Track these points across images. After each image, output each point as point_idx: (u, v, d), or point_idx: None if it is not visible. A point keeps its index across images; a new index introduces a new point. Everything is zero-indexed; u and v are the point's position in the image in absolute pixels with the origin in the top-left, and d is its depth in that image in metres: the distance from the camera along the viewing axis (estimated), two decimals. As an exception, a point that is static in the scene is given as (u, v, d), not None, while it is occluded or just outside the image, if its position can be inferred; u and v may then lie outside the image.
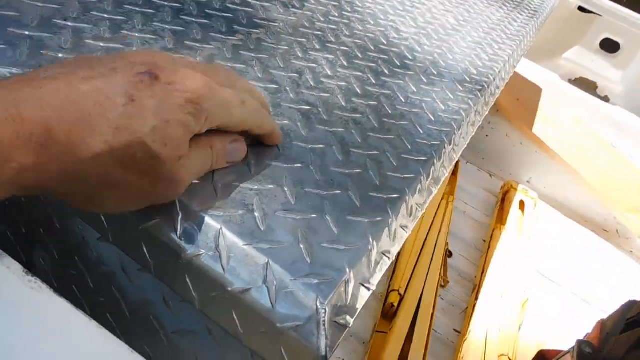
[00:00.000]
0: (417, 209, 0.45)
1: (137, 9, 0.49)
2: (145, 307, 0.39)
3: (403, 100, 0.56)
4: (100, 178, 0.27)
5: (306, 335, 0.31)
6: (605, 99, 1.57)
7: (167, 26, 0.49)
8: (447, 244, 1.29)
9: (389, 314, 1.05)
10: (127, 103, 0.27)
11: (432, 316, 1.08)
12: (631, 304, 0.54)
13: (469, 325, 1.11)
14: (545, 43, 1.61)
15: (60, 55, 0.39)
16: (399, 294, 1.07)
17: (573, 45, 1.54)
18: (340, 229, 0.37)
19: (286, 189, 0.38)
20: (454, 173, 1.52)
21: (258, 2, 0.61)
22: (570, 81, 1.61)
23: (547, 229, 1.49)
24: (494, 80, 0.72)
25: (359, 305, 0.35)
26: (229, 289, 0.32)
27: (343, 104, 0.51)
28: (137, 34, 0.46)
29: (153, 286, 0.37)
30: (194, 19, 0.52)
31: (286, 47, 0.55)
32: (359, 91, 0.54)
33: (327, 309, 0.32)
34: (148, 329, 0.40)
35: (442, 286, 1.20)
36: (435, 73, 0.65)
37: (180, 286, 0.34)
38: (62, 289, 0.33)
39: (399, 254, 1.21)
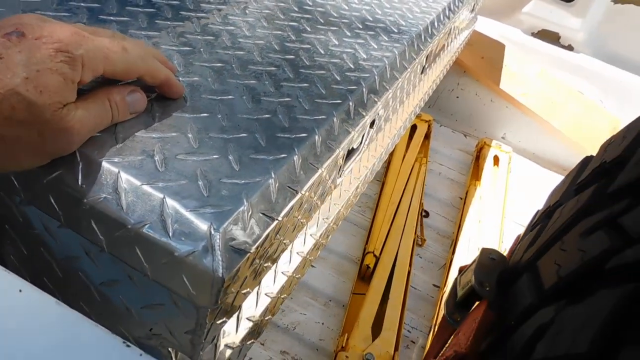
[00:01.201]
0: (328, 147, 0.47)
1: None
2: (73, 264, 0.41)
3: (323, 52, 0.58)
4: None
5: (202, 260, 0.33)
6: (569, 47, 1.58)
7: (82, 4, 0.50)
8: (421, 204, 1.31)
9: (365, 276, 1.08)
10: None
11: (409, 274, 1.11)
12: (535, 213, 0.56)
13: (447, 279, 1.14)
14: (504, 0, 1.62)
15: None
16: (375, 256, 1.10)
17: (531, -1, 1.54)
18: (241, 166, 0.39)
19: (190, 135, 0.40)
20: (427, 136, 1.54)
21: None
22: (532, 34, 1.61)
23: (524, 180, 1.51)
24: (425, 28, 0.74)
25: (262, 233, 0.37)
26: (129, 226, 0.34)
27: (259, 59, 0.52)
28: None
29: (75, 241, 0.40)
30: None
31: (204, 15, 0.57)
32: (276, 47, 0.56)
33: (220, 235, 0.34)
34: (79, 286, 0.42)
35: (420, 245, 1.23)
36: (361, 27, 0.67)
37: (88, 232, 0.36)
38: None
39: (373, 217, 1.23)
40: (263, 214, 0.38)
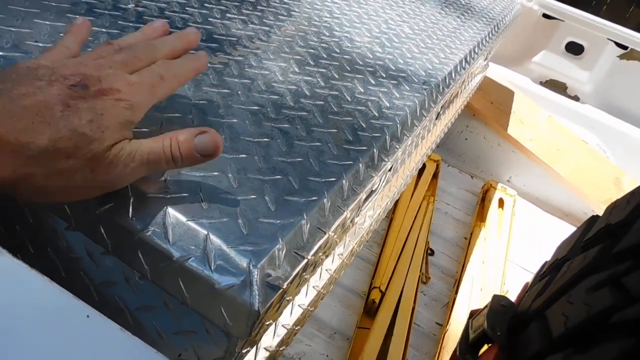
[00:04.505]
0: (354, 191, 0.50)
1: (104, 29, 0.55)
2: (110, 288, 0.44)
3: (349, 99, 0.62)
4: (47, 169, 0.32)
5: (240, 294, 0.36)
6: (575, 98, 1.63)
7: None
8: (427, 242, 1.33)
9: (371, 310, 1.09)
10: (65, 109, 0.33)
11: (413, 310, 1.12)
12: (544, 264, 0.59)
13: (449, 317, 1.15)
14: (515, 49, 1.68)
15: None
16: (381, 291, 1.12)
17: (541, 50, 1.60)
18: (277, 206, 0.42)
19: (230, 175, 0.43)
20: (435, 175, 1.58)
21: (218, 20, 0.68)
22: (541, 83, 1.67)
23: (527, 224, 1.54)
24: (443, 79, 0.78)
25: (293, 270, 0.40)
26: (174, 258, 0.37)
27: (291, 104, 0.56)
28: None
29: (115, 267, 0.42)
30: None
31: (241, 58, 0.61)
32: (307, 93, 0.60)
33: (258, 271, 0.37)
34: (114, 310, 0.45)
35: (424, 282, 1.25)
36: (384, 75, 0.71)
37: (135, 261, 0.39)
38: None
39: (380, 253, 1.25)
40: (295, 252, 0.41)
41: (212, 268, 0.37)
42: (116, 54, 0.40)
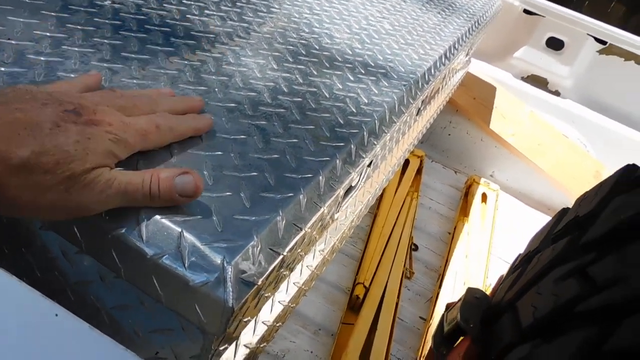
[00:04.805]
0: (330, 187, 0.51)
1: (79, 26, 0.55)
2: (86, 287, 0.44)
3: (328, 96, 0.62)
4: (22, 181, 0.32)
5: (214, 291, 0.36)
6: (556, 93, 1.66)
7: (106, 40, 0.54)
8: (411, 237, 1.34)
9: (355, 306, 1.10)
10: (53, 128, 0.33)
11: (397, 305, 1.13)
12: (517, 257, 0.60)
13: (433, 312, 1.16)
14: (496, 45, 1.70)
15: (2, 68, 0.45)
16: (364, 287, 1.12)
17: (522, 45, 1.62)
18: (252, 203, 0.42)
19: (205, 173, 0.43)
20: (419, 171, 1.59)
21: (197, 17, 0.67)
22: (522, 79, 1.69)
23: (510, 218, 1.56)
24: (422, 76, 0.78)
25: (269, 267, 0.40)
26: (148, 256, 0.37)
27: (269, 101, 0.56)
28: (76, 49, 0.51)
29: (90, 266, 0.42)
30: (132, 34, 0.58)
31: (219, 55, 0.61)
32: (285, 90, 0.60)
33: (232, 268, 0.37)
34: (90, 309, 0.44)
35: (408, 278, 1.26)
36: (363, 72, 0.71)
37: (109, 260, 0.39)
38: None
39: (364, 249, 1.26)
40: (270, 249, 0.41)
41: (186, 265, 0.37)
42: (117, 99, 0.41)
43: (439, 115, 1.56)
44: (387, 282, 1.16)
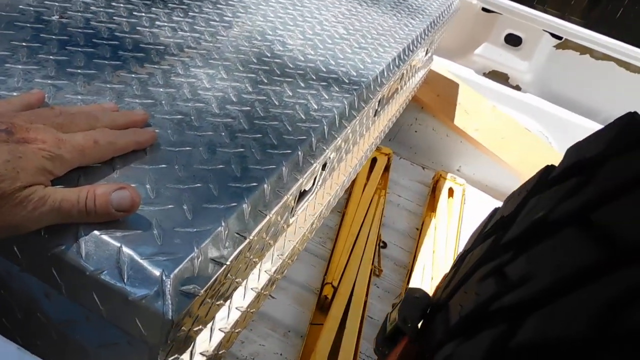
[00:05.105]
0: (277, 194, 0.52)
1: (24, 43, 0.54)
2: (33, 304, 0.44)
3: (277, 103, 0.63)
4: None
5: (153, 304, 0.37)
6: (517, 88, 1.70)
7: (51, 56, 0.54)
8: (379, 235, 1.37)
9: (324, 306, 1.12)
10: None
11: (365, 303, 1.15)
12: (458, 256, 0.62)
13: (401, 308, 1.19)
14: (457, 42, 1.73)
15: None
16: (333, 287, 1.14)
17: (482, 42, 1.66)
18: (194, 215, 0.43)
19: (148, 186, 0.44)
20: (387, 169, 1.61)
21: (147, 29, 0.67)
22: (484, 74, 1.73)
23: (477, 211, 1.59)
24: (374, 79, 0.80)
25: (211, 277, 0.41)
26: (87, 273, 0.38)
27: (216, 111, 0.57)
28: (20, 66, 0.51)
29: (35, 285, 0.43)
30: (79, 49, 0.58)
31: (167, 67, 0.61)
32: (234, 99, 0.60)
33: (171, 281, 0.38)
34: (37, 325, 0.45)
35: (377, 275, 1.28)
36: (315, 78, 0.73)
37: (49, 278, 0.39)
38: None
39: (332, 249, 1.27)
40: (212, 259, 0.42)
41: (125, 280, 0.37)
42: (54, 117, 0.41)
43: (405, 113, 1.59)
44: (355, 280, 1.18)
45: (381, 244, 1.37)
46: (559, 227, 0.38)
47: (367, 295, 1.17)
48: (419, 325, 0.47)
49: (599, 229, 0.34)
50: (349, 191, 1.46)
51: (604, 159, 0.41)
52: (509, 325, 0.34)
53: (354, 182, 1.48)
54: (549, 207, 0.42)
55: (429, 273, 1.29)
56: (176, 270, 0.38)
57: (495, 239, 0.49)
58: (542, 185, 0.49)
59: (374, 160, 1.59)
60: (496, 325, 0.36)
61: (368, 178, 1.53)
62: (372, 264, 1.26)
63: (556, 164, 0.60)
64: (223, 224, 0.44)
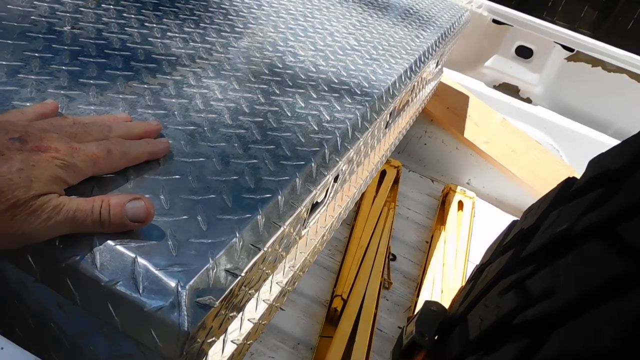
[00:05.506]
0: (291, 206, 0.51)
1: (37, 54, 0.55)
2: (46, 315, 0.44)
3: (289, 115, 0.63)
4: None
5: (169, 316, 0.37)
6: (527, 100, 1.69)
7: (64, 67, 0.55)
8: (389, 247, 1.35)
9: (333, 318, 1.10)
10: None
11: (375, 316, 1.14)
12: (474, 269, 0.61)
13: (412, 322, 1.17)
14: (468, 55, 1.73)
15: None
16: (342, 299, 1.13)
17: (492, 54, 1.66)
18: (209, 226, 0.43)
19: (162, 197, 0.44)
20: (396, 181, 1.61)
21: (158, 40, 0.68)
22: (494, 87, 1.73)
23: (486, 224, 1.58)
24: (386, 90, 0.80)
25: (226, 288, 0.41)
26: (102, 284, 0.37)
27: (229, 122, 0.57)
28: (33, 77, 0.52)
29: (49, 295, 0.42)
30: (91, 59, 0.58)
31: (180, 77, 0.61)
32: (246, 110, 0.60)
33: (186, 292, 0.37)
34: (51, 336, 0.44)
35: (386, 288, 1.26)
36: (327, 89, 0.73)
37: (63, 288, 0.39)
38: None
39: (342, 262, 1.26)
40: (227, 271, 0.42)
41: (140, 291, 0.37)
42: (68, 126, 0.41)
43: (415, 125, 1.59)
44: (365, 293, 1.16)
45: (391, 257, 1.36)
46: (582, 240, 0.38)
47: (376, 308, 1.16)
48: (436, 338, 0.47)
49: (626, 241, 0.33)
50: (359, 203, 1.45)
51: (632, 170, 0.41)
52: (533, 339, 0.34)
53: (363, 194, 1.47)
54: (572, 220, 0.41)
55: (438, 286, 1.28)
56: (192, 282, 0.38)
57: (515, 252, 0.48)
58: (564, 197, 0.49)
59: (383, 173, 1.59)
60: (519, 339, 0.35)
61: (377, 191, 1.53)
62: (382, 276, 1.25)
63: (566, 176, 0.59)
64: (237, 235, 0.43)
